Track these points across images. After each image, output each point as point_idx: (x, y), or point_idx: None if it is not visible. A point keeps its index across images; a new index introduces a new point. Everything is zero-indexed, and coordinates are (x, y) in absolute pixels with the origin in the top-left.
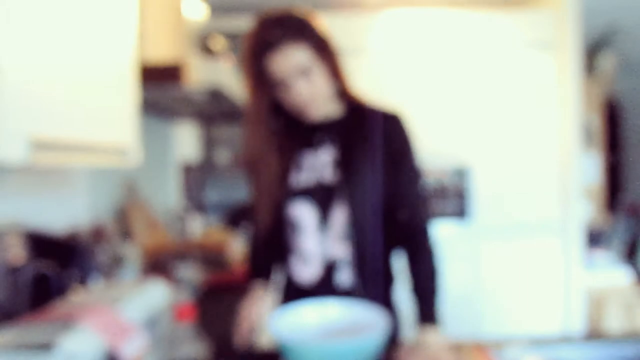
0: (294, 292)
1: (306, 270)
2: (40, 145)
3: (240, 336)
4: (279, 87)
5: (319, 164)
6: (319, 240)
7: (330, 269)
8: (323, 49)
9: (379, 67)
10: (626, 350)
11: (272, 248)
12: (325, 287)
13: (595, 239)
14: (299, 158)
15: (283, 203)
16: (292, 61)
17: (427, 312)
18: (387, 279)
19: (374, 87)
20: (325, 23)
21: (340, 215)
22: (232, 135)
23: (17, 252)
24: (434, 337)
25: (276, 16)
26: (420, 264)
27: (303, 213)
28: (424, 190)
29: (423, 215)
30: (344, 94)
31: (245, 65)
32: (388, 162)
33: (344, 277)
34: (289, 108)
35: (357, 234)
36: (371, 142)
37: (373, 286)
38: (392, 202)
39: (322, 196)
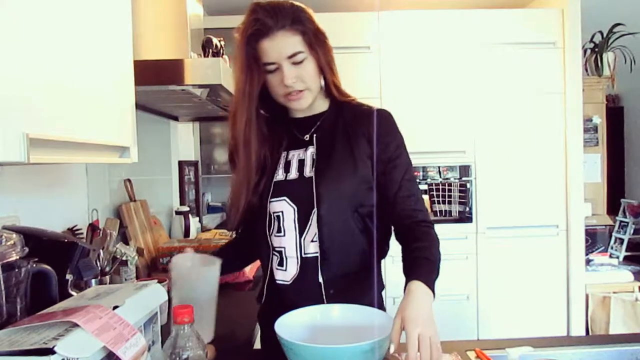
0: (274, 290)
1: (284, 268)
2: (38, 144)
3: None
4: (270, 71)
5: (302, 161)
6: (296, 238)
7: (306, 267)
8: (316, 41)
9: (385, 65)
10: (628, 351)
11: (246, 245)
12: (302, 285)
13: (596, 239)
14: (285, 154)
15: (265, 199)
16: (285, 48)
17: (421, 275)
18: (366, 281)
19: (379, 85)
20: (327, 21)
21: (314, 214)
22: None
23: (15, 252)
24: (423, 295)
25: (272, 4)
26: (424, 242)
27: (283, 210)
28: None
29: (424, 209)
30: (332, 90)
31: (238, 50)
32: (378, 159)
33: (318, 276)
34: (277, 98)
35: (325, 234)
36: (354, 138)
37: (350, 288)
38: (386, 199)
39: (301, 194)
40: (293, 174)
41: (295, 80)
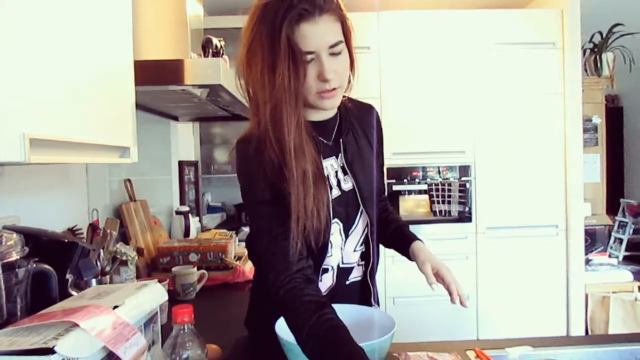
0: None
1: (320, 280)
2: (38, 144)
3: None
4: (307, 61)
5: (336, 172)
6: (340, 252)
7: (343, 274)
8: (349, 35)
9: (385, 65)
10: (627, 351)
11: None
12: (337, 290)
13: (595, 239)
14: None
15: (326, 222)
16: (328, 35)
17: (414, 237)
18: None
19: (379, 85)
20: None
21: (359, 225)
22: (232, 136)
23: (15, 252)
24: (428, 251)
25: None
26: (398, 220)
27: (334, 232)
28: None
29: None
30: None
31: (271, 33)
32: (377, 154)
33: (353, 277)
34: (306, 95)
35: (375, 241)
36: (371, 136)
37: (374, 282)
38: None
39: (347, 210)
40: (335, 189)
41: (333, 75)
